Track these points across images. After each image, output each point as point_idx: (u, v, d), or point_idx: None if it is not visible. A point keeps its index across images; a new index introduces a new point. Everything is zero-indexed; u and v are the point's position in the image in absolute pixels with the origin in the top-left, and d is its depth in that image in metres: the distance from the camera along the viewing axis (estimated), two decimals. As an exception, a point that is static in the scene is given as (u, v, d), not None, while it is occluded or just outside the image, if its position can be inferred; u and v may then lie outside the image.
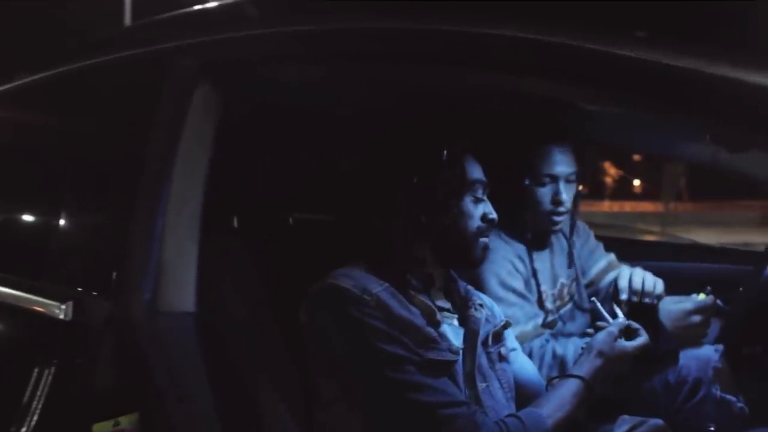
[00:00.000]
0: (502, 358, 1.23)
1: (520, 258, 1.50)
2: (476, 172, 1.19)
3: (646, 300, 1.48)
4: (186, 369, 0.93)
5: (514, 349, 1.31)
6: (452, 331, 1.16)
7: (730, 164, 1.73)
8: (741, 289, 1.55)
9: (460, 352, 1.12)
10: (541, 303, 1.51)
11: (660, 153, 1.82)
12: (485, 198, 1.20)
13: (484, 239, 1.18)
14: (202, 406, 0.94)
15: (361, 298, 1.04)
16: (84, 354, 0.98)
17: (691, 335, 1.44)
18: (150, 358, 0.92)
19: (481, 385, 1.14)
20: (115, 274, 0.97)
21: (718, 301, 1.56)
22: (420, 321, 1.08)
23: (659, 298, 1.49)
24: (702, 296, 1.45)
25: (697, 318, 1.43)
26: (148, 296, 0.92)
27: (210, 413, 0.94)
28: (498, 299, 1.39)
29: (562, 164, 1.49)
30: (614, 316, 1.33)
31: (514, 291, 1.44)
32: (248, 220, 1.45)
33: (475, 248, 1.17)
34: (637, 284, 1.50)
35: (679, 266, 1.80)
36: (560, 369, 1.37)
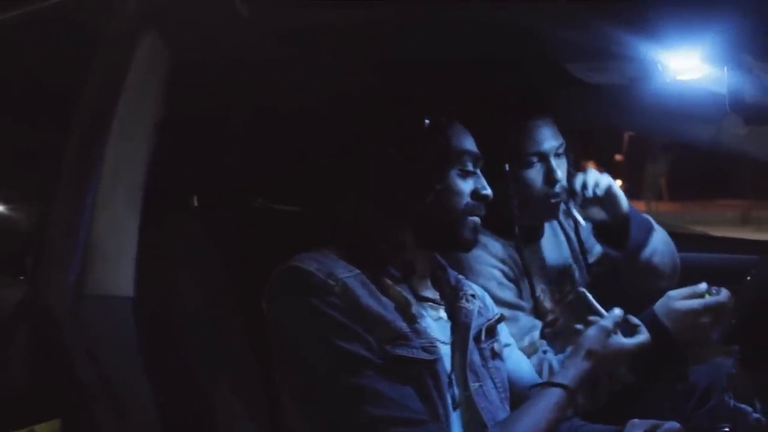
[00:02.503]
0: (496, 355, 1.11)
1: (510, 261, 1.33)
2: (465, 142, 1.06)
3: (597, 192, 1.31)
4: (120, 364, 0.78)
5: (508, 345, 1.18)
6: (438, 326, 1.03)
7: (736, 142, 1.63)
8: (748, 278, 1.43)
9: (439, 351, 0.98)
10: (538, 308, 1.36)
11: (657, 133, 1.71)
12: (477, 172, 1.07)
13: (473, 218, 1.05)
14: (140, 410, 0.78)
15: (325, 284, 0.91)
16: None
17: (696, 338, 1.23)
18: (74, 350, 0.75)
19: (473, 385, 1.02)
20: (32, 251, 0.80)
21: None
22: (391, 315, 0.94)
23: (607, 193, 1.32)
24: (706, 291, 1.21)
25: (706, 319, 1.20)
26: (72, 277, 0.76)
27: (150, 419, 0.78)
28: None
29: (549, 138, 1.30)
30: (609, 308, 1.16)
31: (506, 304, 1.27)
32: (210, 200, 1.30)
33: (463, 229, 1.03)
34: (578, 185, 1.33)
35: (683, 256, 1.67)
36: None
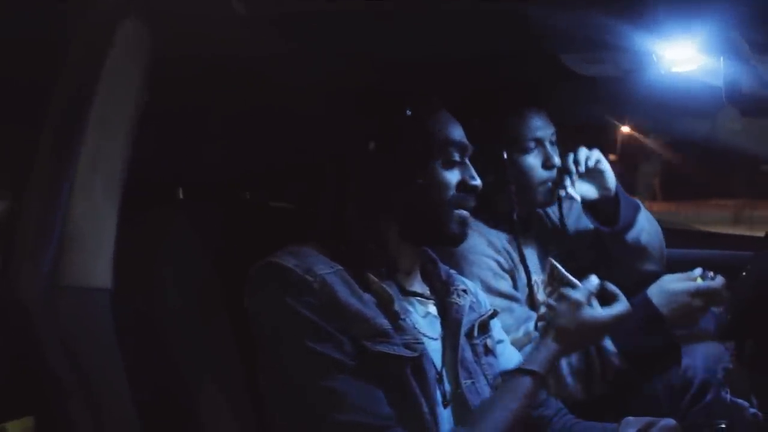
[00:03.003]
0: (489, 351, 1.08)
1: (505, 251, 1.33)
2: (451, 132, 1.02)
3: (589, 164, 1.33)
4: (98, 359, 0.74)
5: (501, 341, 1.15)
6: (427, 322, 1.00)
7: (731, 137, 1.62)
8: (743, 274, 1.41)
9: (424, 348, 0.94)
10: (532, 299, 1.35)
11: (651, 127, 1.71)
12: (466, 162, 1.03)
13: (460, 211, 1.01)
14: (118, 407, 0.75)
15: (302, 280, 0.88)
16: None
17: (688, 321, 1.23)
18: (48, 344, 0.72)
19: (465, 382, 0.99)
20: (4, 242, 0.77)
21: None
22: (372, 311, 0.91)
23: (598, 166, 1.34)
24: (700, 276, 1.23)
25: (698, 303, 1.20)
26: (46, 268, 0.72)
27: (129, 416, 0.75)
28: None
29: (545, 126, 1.34)
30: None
31: (502, 294, 1.26)
32: (197, 194, 1.27)
33: (449, 223, 0.99)
34: (570, 161, 1.34)
35: (678, 252, 1.65)
36: (554, 374, 1.18)
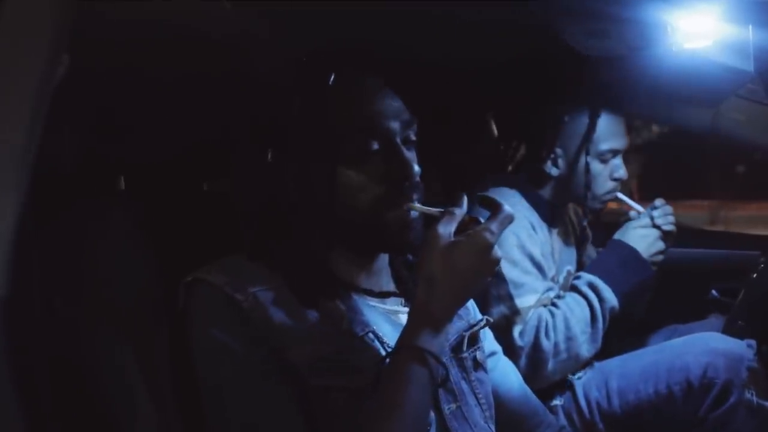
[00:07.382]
0: (479, 366, 0.91)
1: (543, 233, 1.32)
2: (365, 112, 0.78)
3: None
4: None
5: (494, 353, 0.99)
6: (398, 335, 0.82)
7: (734, 128, 1.52)
8: (755, 276, 1.31)
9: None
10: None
11: (650, 116, 1.63)
12: (394, 147, 0.79)
13: (396, 212, 0.78)
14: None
15: (231, 301, 0.75)
16: None
17: (655, 251, 1.32)
18: None
19: (449, 407, 0.82)
20: None
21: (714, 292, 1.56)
22: (315, 333, 0.76)
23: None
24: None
25: (658, 231, 1.32)
26: None
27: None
28: (513, 263, 1.23)
29: (622, 136, 1.32)
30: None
31: (532, 258, 1.26)
32: (139, 182, 1.10)
33: (381, 231, 0.79)
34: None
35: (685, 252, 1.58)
36: (565, 329, 1.22)
